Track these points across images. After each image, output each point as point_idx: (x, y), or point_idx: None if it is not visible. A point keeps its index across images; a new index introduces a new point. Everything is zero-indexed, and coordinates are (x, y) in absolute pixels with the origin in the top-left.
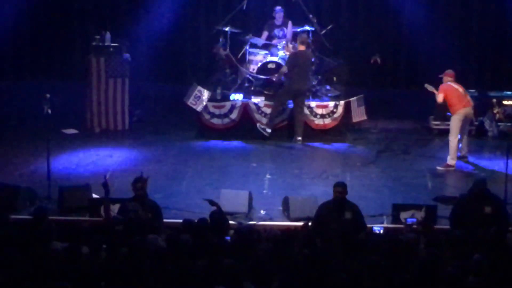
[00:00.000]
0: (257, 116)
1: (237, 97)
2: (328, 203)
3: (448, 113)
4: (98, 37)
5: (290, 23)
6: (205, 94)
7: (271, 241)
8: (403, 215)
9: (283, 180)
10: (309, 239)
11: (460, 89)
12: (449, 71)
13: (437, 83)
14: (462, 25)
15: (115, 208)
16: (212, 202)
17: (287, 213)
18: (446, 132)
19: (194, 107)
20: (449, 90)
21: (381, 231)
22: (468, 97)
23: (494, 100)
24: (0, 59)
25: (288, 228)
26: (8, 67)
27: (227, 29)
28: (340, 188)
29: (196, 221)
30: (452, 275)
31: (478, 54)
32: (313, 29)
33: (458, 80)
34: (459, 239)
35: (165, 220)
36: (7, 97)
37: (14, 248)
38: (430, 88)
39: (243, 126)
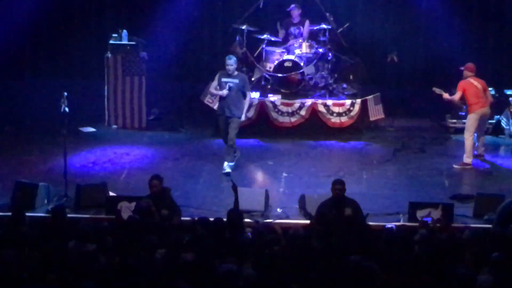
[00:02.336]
0: (274, 114)
1: (254, 95)
2: (328, 201)
3: (461, 113)
4: (115, 35)
5: (307, 22)
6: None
7: (292, 239)
8: (420, 213)
9: (299, 178)
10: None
11: (480, 85)
12: (470, 64)
13: (453, 79)
14: (480, 23)
15: (131, 206)
16: (234, 188)
17: (303, 211)
18: (462, 131)
19: (211, 105)
20: (468, 87)
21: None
22: (488, 94)
23: (511, 98)
24: (19, 58)
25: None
26: (26, 66)
27: (244, 27)
28: (340, 185)
29: (212, 219)
30: (463, 276)
31: (495, 52)
32: (329, 27)
33: (477, 75)
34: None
35: (182, 218)
36: (26, 95)
37: (32, 246)
38: (438, 91)
39: (260, 124)
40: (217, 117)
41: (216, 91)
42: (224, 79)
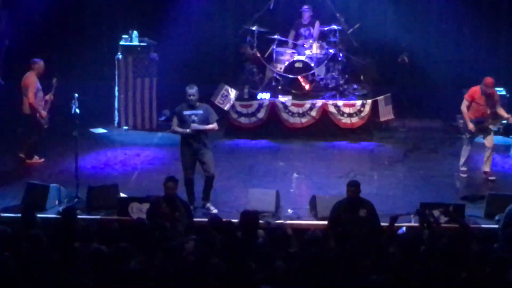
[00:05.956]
0: (284, 115)
1: (264, 96)
2: (342, 202)
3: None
4: (125, 36)
5: (317, 23)
6: (233, 93)
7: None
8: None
9: (310, 179)
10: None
11: None
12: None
13: (464, 79)
14: (491, 23)
15: (142, 207)
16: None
17: (314, 212)
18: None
19: (221, 106)
20: None
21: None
22: None
23: None
24: (29, 59)
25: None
26: None
27: (254, 28)
28: (353, 187)
29: (224, 220)
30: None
31: (507, 52)
32: (340, 28)
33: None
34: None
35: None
36: None
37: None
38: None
39: (271, 125)
40: (183, 153)
41: (181, 129)
42: (186, 112)
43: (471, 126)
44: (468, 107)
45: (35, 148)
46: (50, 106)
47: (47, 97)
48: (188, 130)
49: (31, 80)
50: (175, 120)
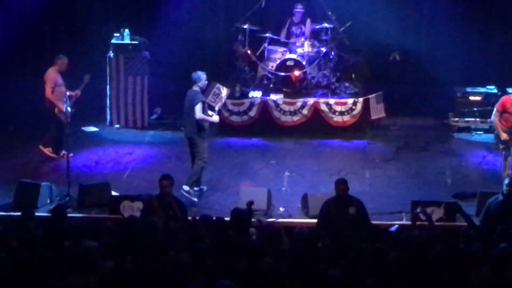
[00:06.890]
0: (276, 113)
1: (256, 94)
2: (331, 200)
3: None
4: (117, 34)
5: (308, 21)
6: (224, 92)
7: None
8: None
9: (302, 177)
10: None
11: None
12: None
13: (455, 77)
14: (482, 21)
15: (134, 205)
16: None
17: (306, 210)
18: (465, 129)
19: (213, 104)
20: None
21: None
22: None
23: None
24: (21, 57)
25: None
26: (28, 65)
27: (246, 26)
28: (342, 185)
29: (215, 218)
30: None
31: (498, 50)
32: (332, 26)
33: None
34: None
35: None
36: (28, 94)
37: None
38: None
39: (262, 123)
40: (204, 141)
41: (211, 118)
42: (204, 99)
43: (504, 135)
44: (500, 117)
45: (52, 141)
46: (75, 101)
47: (73, 93)
48: (215, 117)
49: (51, 75)
50: (201, 107)
